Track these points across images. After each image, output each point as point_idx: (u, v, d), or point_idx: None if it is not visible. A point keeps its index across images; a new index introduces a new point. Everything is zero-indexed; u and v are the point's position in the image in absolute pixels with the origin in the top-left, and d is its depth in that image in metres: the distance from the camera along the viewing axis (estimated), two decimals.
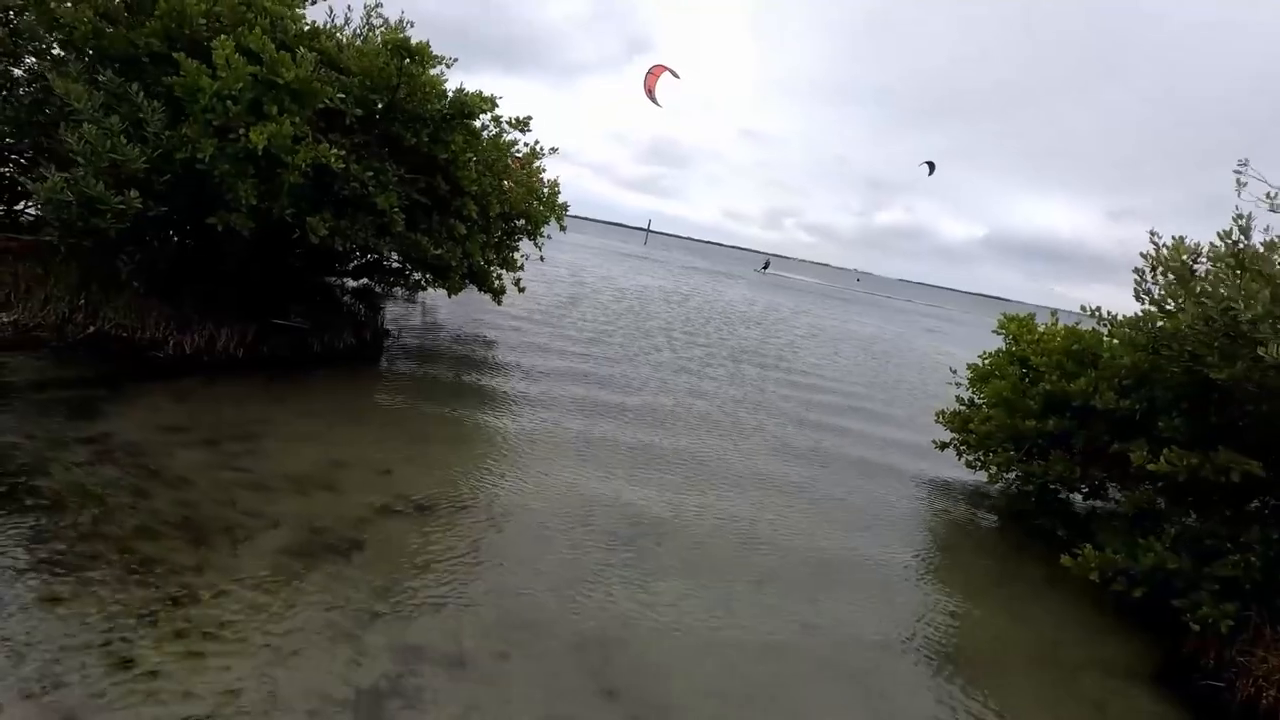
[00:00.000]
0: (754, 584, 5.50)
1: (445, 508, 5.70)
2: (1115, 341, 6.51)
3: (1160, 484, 6.17)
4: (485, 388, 9.41)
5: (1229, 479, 5.41)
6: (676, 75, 27.92)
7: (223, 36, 6.32)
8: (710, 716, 3.92)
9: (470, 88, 8.31)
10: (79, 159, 5.86)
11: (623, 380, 11.18)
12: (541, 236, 11.58)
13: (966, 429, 8.61)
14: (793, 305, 35.92)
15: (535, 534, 5.57)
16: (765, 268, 69.27)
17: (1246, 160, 6.16)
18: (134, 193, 5.95)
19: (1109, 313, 7.22)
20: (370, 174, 7.43)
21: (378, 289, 12.35)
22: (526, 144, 10.19)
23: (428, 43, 7.53)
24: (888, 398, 14.72)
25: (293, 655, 3.68)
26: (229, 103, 6.28)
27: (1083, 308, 7.28)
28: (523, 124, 9.64)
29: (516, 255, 11.56)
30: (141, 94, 6.13)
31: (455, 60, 7.89)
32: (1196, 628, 5.26)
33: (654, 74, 27.32)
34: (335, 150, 6.81)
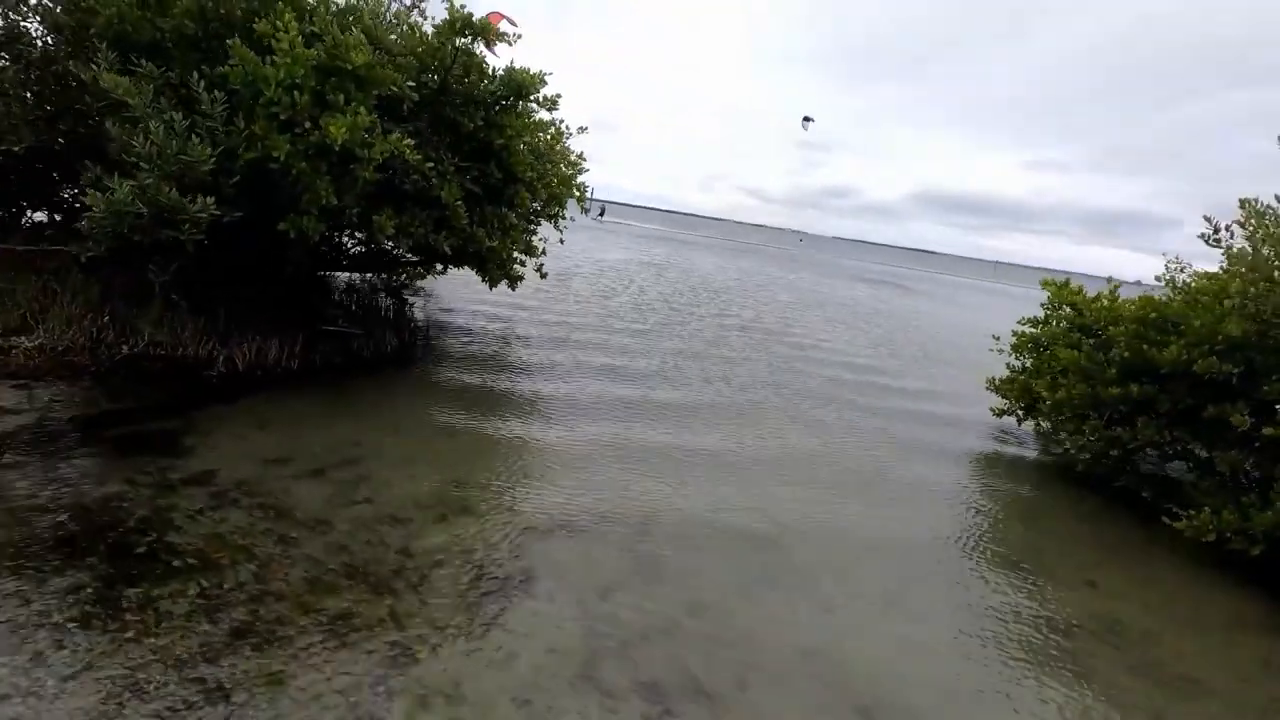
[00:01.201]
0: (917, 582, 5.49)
1: (586, 522, 5.44)
2: (1218, 308, 6.68)
3: (1257, 444, 6.44)
4: (537, 393, 8.95)
5: None
6: (514, 24, 26.84)
7: (287, 15, 5.62)
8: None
9: None
10: (141, 164, 5.15)
11: (660, 374, 10.90)
12: (564, 218, 11.10)
13: (1029, 396, 8.80)
14: (762, 271, 36.14)
15: (688, 545, 5.38)
16: (601, 214, 63.73)
17: None
18: (210, 199, 5.28)
19: (1184, 280, 7.45)
20: (431, 165, 6.87)
21: (378, 280, 11.68)
22: (555, 122, 9.66)
23: (487, 18, 6.94)
24: (928, 373, 14.89)
25: (547, 711, 3.42)
26: (295, 93, 5.62)
27: (1158, 278, 7.48)
28: (552, 102, 9.07)
29: (537, 240, 11.08)
30: (202, 84, 5.40)
31: (519, 36, 7.28)
32: None
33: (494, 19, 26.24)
34: (406, 140, 6.24)
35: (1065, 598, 5.51)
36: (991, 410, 9.75)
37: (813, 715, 3.71)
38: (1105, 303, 8.30)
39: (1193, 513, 6.22)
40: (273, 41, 5.67)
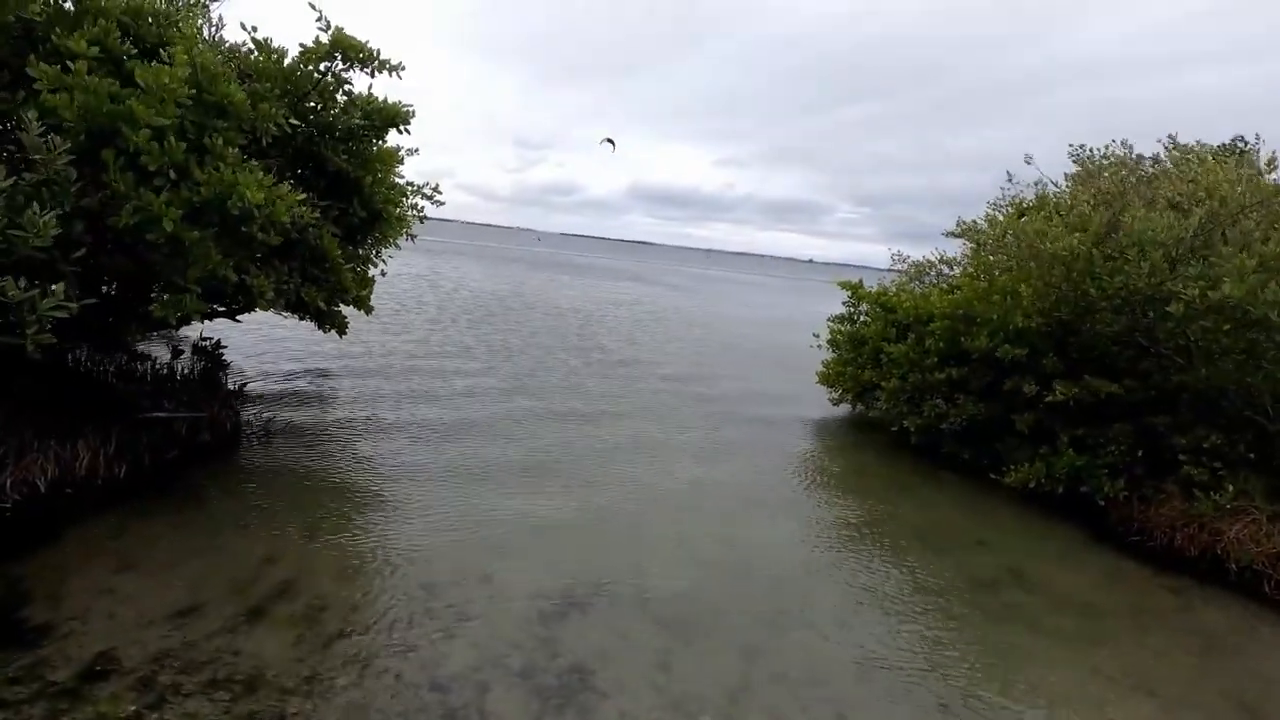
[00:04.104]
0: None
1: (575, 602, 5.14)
2: (1006, 305, 8.53)
3: (1042, 407, 8.39)
4: (386, 461, 8.06)
5: (1098, 397, 7.75)
6: None
7: (178, 40, 4.24)
8: None
9: None
10: None
11: (502, 420, 10.48)
12: (394, 246, 9.98)
13: (865, 384, 10.31)
14: (530, 278, 36.10)
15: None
16: None
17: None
18: (56, 287, 3.76)
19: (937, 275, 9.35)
20: (316, 215, 5.78)
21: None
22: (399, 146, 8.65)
23: (366, 41, 5.97)
24: (741, 371, 16.15)
25: None
26: (171, 139, 4.27)
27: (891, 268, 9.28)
28: (404, 122, 8.08)
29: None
30: (40, 125, 3.83)
31: (401, 66, 6.32)
32: (1103, 503, 7.52)
33: None
34: (299, 195, 5.15)
35: (885, 510, 6.79)
36: (830, 400, 11.20)
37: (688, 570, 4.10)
38: (914, 303, 10.03)
39: (1013, 467, 7.94)
40: (69, 63, 4.18)
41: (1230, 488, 6.79)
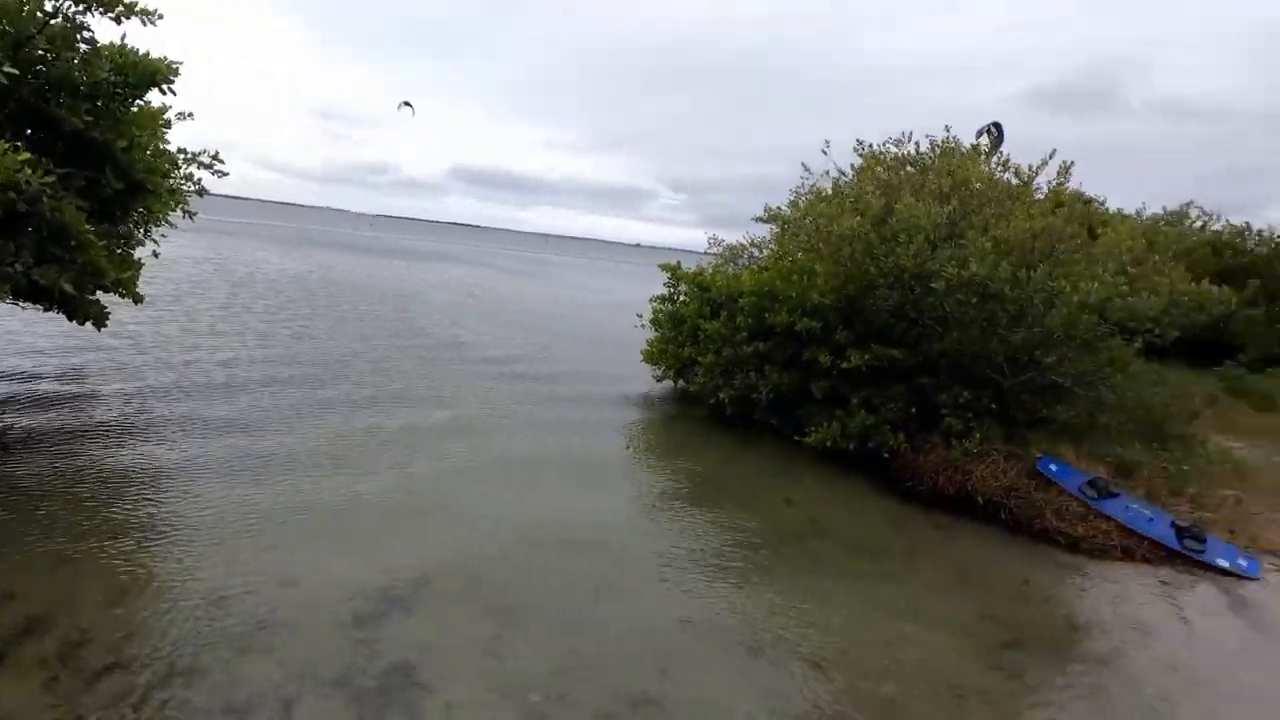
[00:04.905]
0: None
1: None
2: (804, 283, 9.35)
3: (836, 374, 9.36)
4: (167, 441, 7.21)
5: (884, 364, 8.82)
6: None
7: None
8: None
9: None
10: None
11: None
12: (166, 223, 8.72)
13: (684, 360, 10.82)
14: (346, 263, 33.43)
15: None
16: None
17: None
18: None
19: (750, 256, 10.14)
20: (47, 176, 4.87)
21: None
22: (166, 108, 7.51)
23: None
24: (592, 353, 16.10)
25: None
26: None
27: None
28: (166, 80, 7.03)
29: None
30: None
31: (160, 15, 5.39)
32: (886, 455, 8.60)
33: None
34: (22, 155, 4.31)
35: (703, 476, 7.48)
36: (654, 377, 11.62)
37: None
38: (725, 281, 10.67)
39: (813, 429, 8.81)
40: None
41: (977, 435, 8.06)
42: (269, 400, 8.80)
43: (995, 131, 11.84)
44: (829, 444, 8.76)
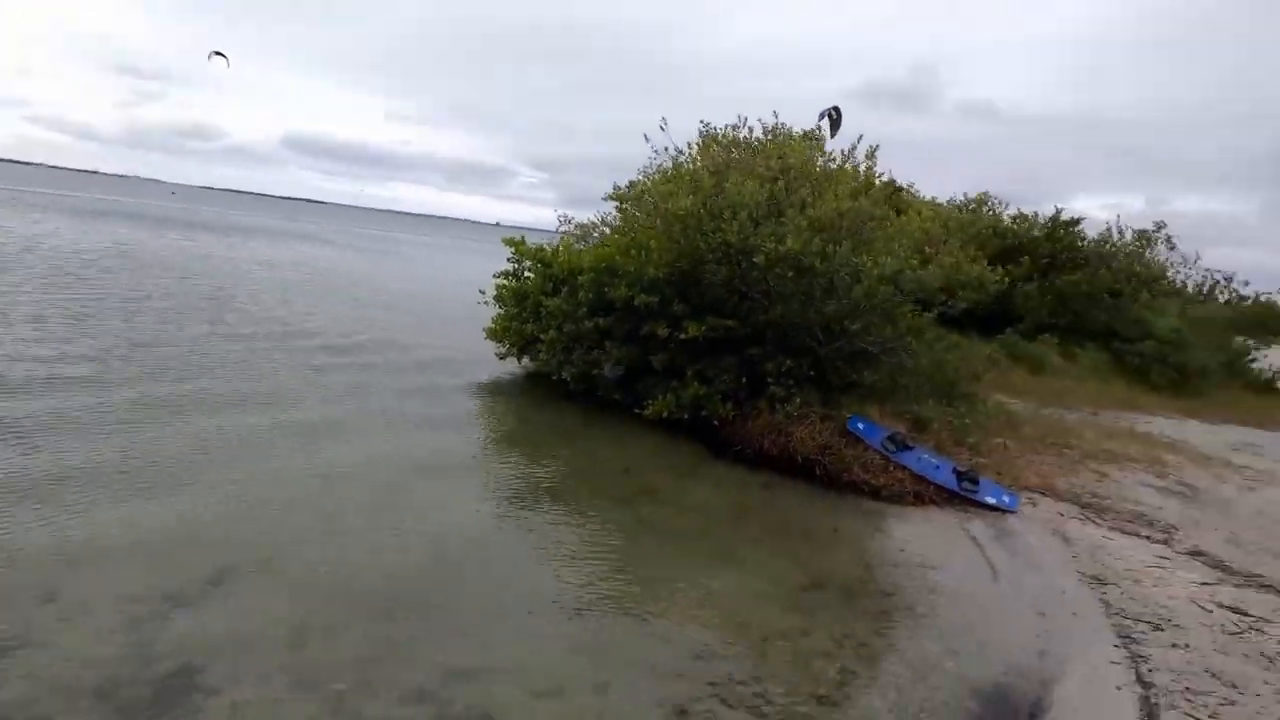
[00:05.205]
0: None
1: None
2: (641, 258, 9.54)
3: (673, 346, 9.70)
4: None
5: (720, 334, 9.26)
6: None
7: None
8: None
9: None
10: None
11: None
12: None
13: (528, 337, 10.71)
14: (152, 238, 29.60)
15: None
16: None
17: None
18: None
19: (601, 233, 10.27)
20: None
21: None
22: None
23: None
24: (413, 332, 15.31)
25: None
26: None
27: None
28: None
29: None
30: None
31: None
32: (716, 423, 9.07)
33: None
34: None
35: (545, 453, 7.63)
36: (497, 354, 11.40)
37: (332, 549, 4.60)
38: (566, 257, 10.65)
39: (651, 401, 9.11)
40: None
41: (798, 400, 8.72)
42: (43, 401, 7.53)
43: (835, 115, 12.60)
44: (665, 415, 9.09)
